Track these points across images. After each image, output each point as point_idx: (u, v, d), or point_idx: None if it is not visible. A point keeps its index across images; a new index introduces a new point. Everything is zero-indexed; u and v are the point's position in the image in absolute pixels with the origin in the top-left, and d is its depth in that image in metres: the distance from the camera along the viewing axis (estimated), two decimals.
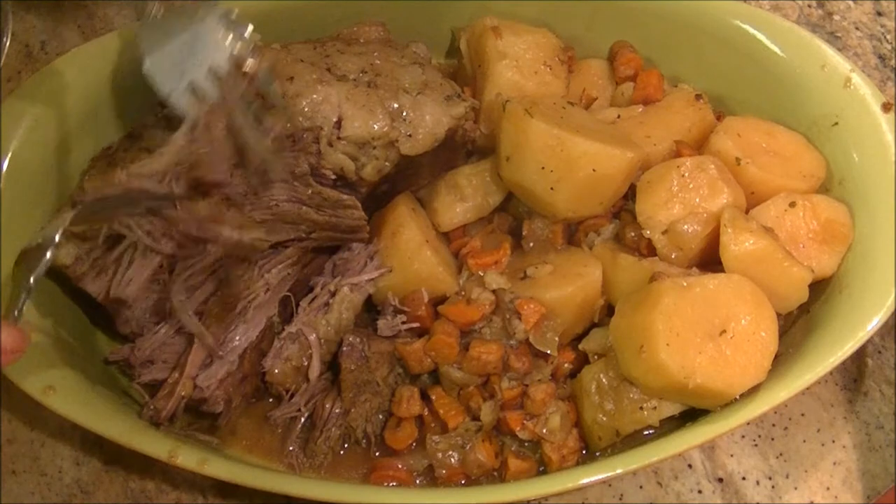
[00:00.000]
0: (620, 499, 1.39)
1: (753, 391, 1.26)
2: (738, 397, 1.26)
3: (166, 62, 1.25)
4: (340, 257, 1.44)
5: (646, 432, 1.31)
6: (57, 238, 1.16)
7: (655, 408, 1.28)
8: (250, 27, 1.26)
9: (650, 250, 1.38)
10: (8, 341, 1.04)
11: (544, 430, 1.33)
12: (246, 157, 1.25)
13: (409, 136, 1.33)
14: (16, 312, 1.11)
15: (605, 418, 1.31)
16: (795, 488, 1.40)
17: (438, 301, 1.40)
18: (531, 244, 1.45)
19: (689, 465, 1.42)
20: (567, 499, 1.38)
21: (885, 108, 1.42)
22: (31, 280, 1.13)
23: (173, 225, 1.26)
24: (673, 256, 1.36)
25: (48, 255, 1.15)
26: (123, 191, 1.22)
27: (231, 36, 1.26)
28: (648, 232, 1.37)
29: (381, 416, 1.39)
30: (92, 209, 1.23)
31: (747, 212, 1.40)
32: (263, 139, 1.25)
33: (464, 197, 1.47)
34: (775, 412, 1.45)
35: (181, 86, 1.23)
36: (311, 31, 1.48)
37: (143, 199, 1.24)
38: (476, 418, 1.35)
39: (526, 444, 1.36)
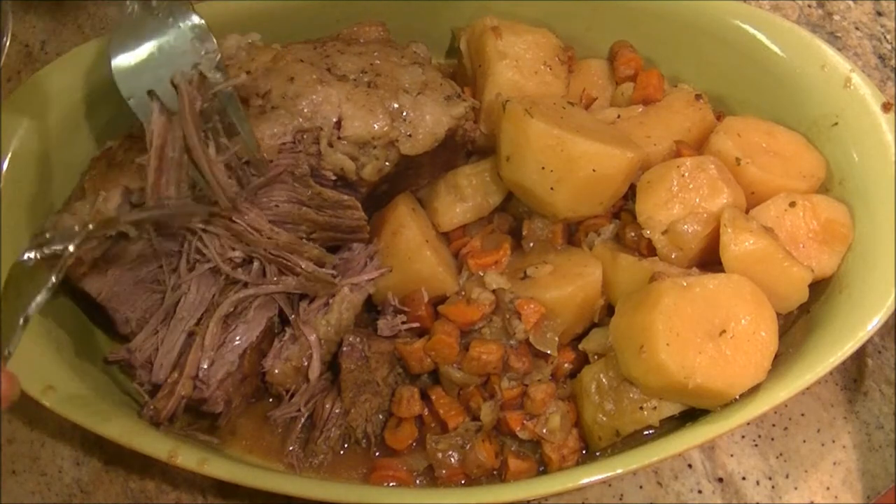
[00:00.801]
0: (620, 499, 1.39)
1: (753, 391, 1.26)
2: (738, 397, 1.26)
3: (132, 65, 1.23)
4: (340, 257, 1.44)
5: (646, 432, 1.31)
6: (53, 278, 1.07)
7: (655, 408, 1.28)
8: (215, 42, 1.23)
9: (650, 250, 1.38)
10: (5, 386, 0.96)
11: (544, 430, 1.33)
12: (199, 178, 1.22)
13: (409, 136, 1.33)
14: (6, 353, 1.00)
15: (605, 418, 1.31)
16: (795, 488, 1.40)
17: (438, 301, 1.40)
18: (531, 244, 1.45)
19: (689, 465, 1.42)
20: (567, 499, 1.38)
21: (885, 108, 1.42)
22: (29, 311, 1.03)
23: (254, 248, 1.25)
24: (673, 256, 1.36)
25: (49, 283, 1.06)
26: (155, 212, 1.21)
27: (200, 47, 1.23)
28: (648, 232, 1.37)
29: (381, 416, 1.39)
30: (106, 227, 1.19)
31: (747, 212, 1.40)
32: (215, 162, 1.22)
33: (464, 197, 1.47)
34: (775, 412, 1.45)
35: (142, 92, 1.22)
36: (311, 31, 1.48)
37: (174, 218, 1.23)
38: (476, 418, 1.35)
39: (526, 444, 1.36)
